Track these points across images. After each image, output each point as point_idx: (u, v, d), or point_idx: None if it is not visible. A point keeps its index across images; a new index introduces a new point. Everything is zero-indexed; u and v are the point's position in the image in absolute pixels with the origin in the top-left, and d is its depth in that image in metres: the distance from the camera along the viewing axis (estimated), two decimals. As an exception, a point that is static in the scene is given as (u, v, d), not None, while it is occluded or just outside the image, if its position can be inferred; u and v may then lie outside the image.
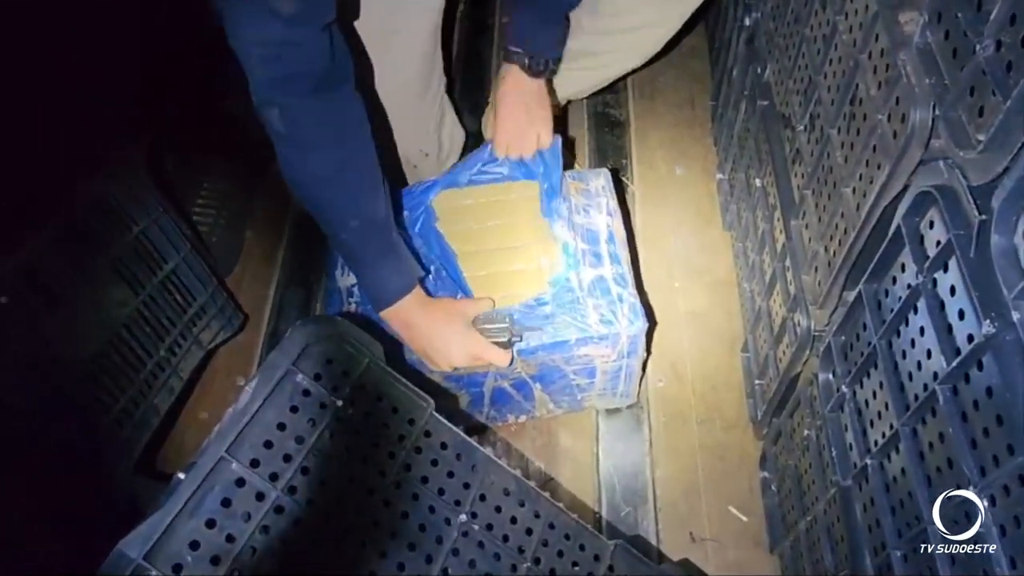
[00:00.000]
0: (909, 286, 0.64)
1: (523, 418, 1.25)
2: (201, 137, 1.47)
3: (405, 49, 1.16)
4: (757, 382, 1.17)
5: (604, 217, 1.18)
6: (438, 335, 1.01)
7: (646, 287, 1.32)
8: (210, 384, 1.34)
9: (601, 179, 1.23)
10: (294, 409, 0.72)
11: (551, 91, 1.29)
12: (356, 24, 1.08)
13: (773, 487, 1.10)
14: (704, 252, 1.41)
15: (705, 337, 1.32)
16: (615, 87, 1.61)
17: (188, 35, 1.32)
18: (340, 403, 0.74)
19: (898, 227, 0.65)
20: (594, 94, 1.58)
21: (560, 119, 1.48)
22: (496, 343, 1.02)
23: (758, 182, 1.14)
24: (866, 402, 0.74)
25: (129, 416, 1.02)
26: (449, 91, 1.36)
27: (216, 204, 1.50)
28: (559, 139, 1.19)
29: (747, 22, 1.19)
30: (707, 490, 1.17)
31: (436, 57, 1.25)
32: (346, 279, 1.15)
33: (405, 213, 1.17)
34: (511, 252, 1.13)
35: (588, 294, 1.08)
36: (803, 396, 0.94)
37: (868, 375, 0.73)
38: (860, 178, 0.75)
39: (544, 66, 1.14)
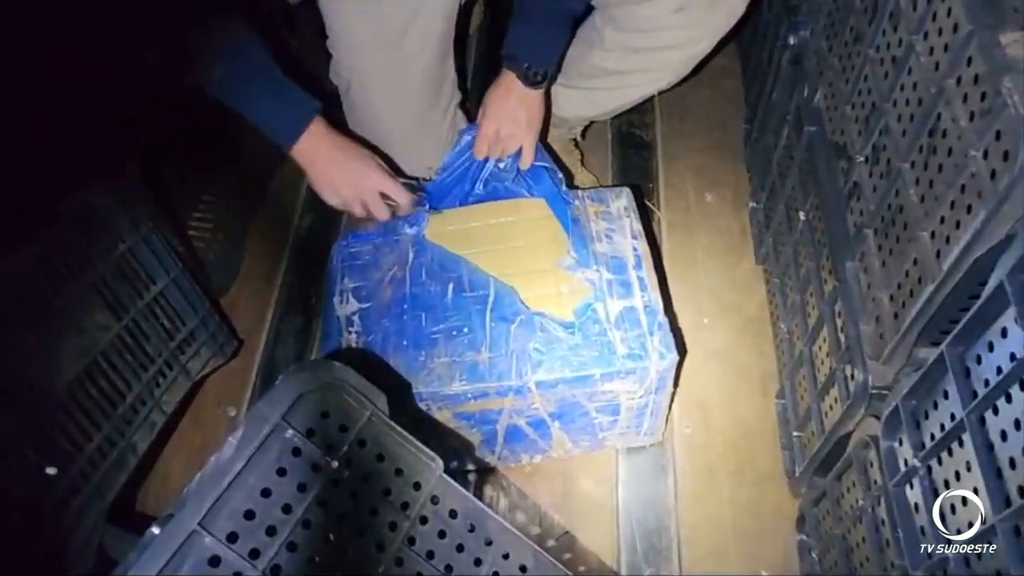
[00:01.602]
0: (1014, 356, 0.53)
1: (538, 458, 1.15)
2: (203, 146, 1.38)
3: (417, 49, 1.09)
4: (795, 434, 1.07)
5: (629, 241, 1.09)
6: (331, 163, 1.05)
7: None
8: (198, 413, 1.25)
9: (623, 199, 1.14)
10: (281, 472, 0.62)
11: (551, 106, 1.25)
12: (369, 23, 1.04)
13: (814, 554, 0.99)
14: (735, 286, 1.31)
15: (735, 379, 1.22)
16: (642, 106, 1.51)
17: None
18: (335, 464, 0.64)
19: (1000, 284, 0.55)
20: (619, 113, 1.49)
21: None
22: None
23: (802, 215, 1.04)
24: (945, 482, 0.63)
25: (103, 456, 0.92)
26: (465, 107, 1.28)
27: (215, 218, 1.42)
28: (544, 161, 1.16)
29: (792, 41, 1.10)
30: (737, 551, 1.07)
31: (448, 66, 1.18)
32: (345, 307, 1.06)
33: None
34: (529, 277, 1.05)
35: (615, 326, 0.99)
36: (856, 459, 0.84)
37: (950, 452, 0.63)
38: (942, 221, 0.65)
39: (542, 77, 1.11)
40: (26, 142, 0.92)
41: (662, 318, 1.00)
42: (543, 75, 1.11)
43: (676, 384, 1.10)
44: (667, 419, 1.14)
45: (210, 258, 1.35)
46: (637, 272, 1.04)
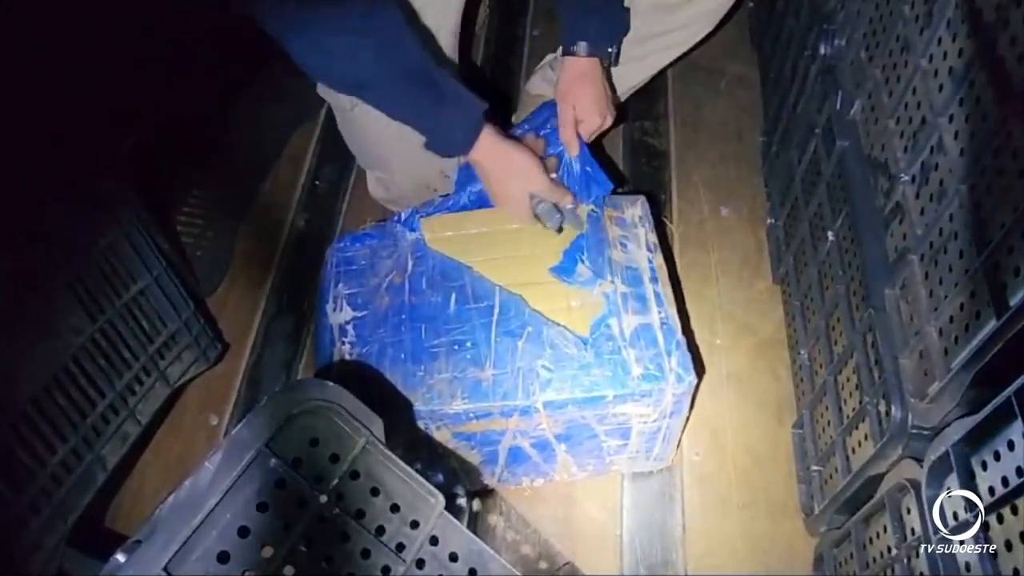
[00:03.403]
0: (1105, 410, 0.47)
1: (539, 481, 1.08)
2: (195, 139, 1.32)
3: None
4: (814, 468, 1.00)
5: (644, 252, 1.02)
6: (503, 180, 1.00)
7: (685, 343, 1.16)
8: (178, 420, 1.18)
9: (638, 207, 1.08)
10: (263, 507, 0.55)
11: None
12: None
13: (833, 598, 0.92)
14: (750, 306, 1.24)
15: (749, 404, 1.16)
16: (655, 113, 1.46)
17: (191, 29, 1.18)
18: (324, 499, 0.57)
19: (1088, 327, 0.48)
20: (631, 119, 1.43)
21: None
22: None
23: (830, 235, 0.98)
24: (1008, 544, 0.57)
25: (68, 471, 0.84)
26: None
27: (205, 213, 1.35)
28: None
29: (823, 50, 1.03)
30: (748, 590, 1.00)
31: (453, 64, 1.11)
32: (339, 315, 0.99)
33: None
34: (537, 288, 0.97)
35: (630, 344, 0.92)
36: (889, 504, 0.77)
37: (1015, 510, 0.56)
38: (1010, 252, 0.58)
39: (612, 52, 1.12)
40: (10, 135, 0.85)
41: (680, 337, 0.93)
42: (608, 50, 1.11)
43: (691, 408, 1.03)
44: (678, 445, 1.07)
45: (199, 254, 1.28)
46: (653, 286, 0.98)
